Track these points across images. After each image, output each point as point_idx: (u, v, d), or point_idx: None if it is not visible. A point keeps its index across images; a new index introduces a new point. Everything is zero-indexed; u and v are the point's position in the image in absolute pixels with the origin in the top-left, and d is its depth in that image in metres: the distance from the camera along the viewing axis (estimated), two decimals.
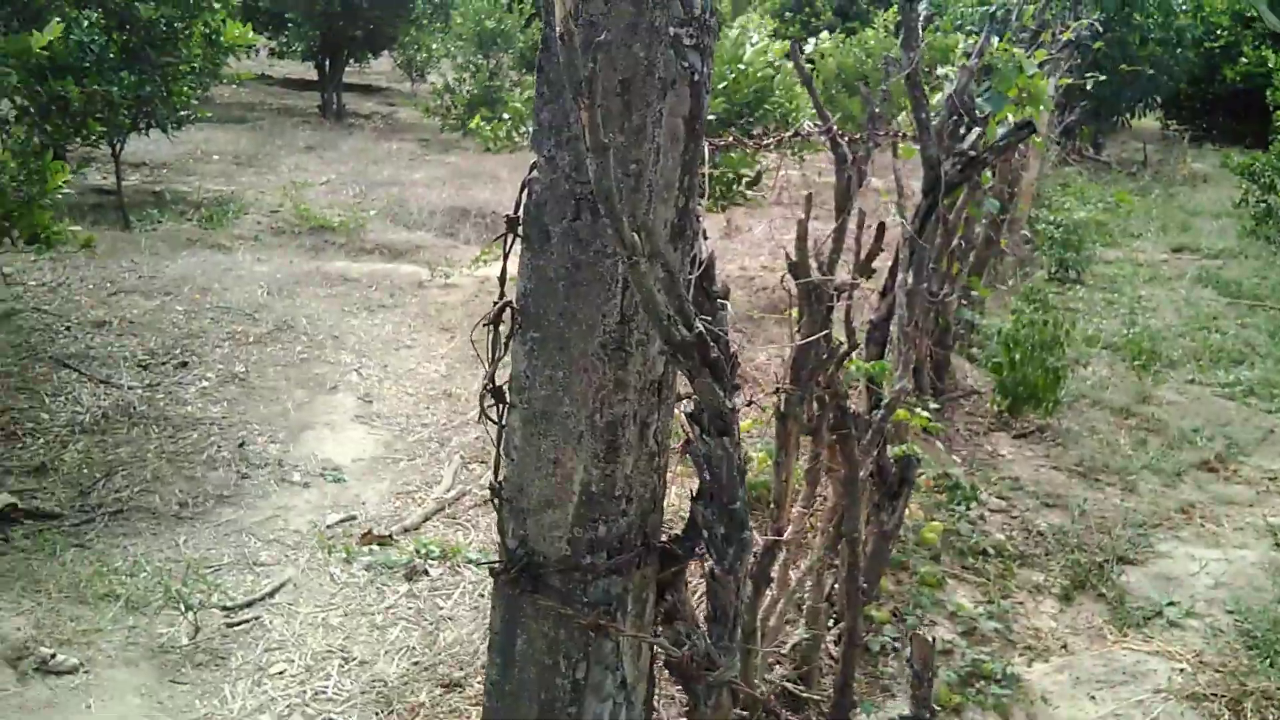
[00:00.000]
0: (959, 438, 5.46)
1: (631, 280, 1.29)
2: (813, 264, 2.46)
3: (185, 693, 3.13)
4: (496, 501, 1.49)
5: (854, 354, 2.74)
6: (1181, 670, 3.40)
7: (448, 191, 11.36)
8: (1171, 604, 3.84)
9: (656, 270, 1.28)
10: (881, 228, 2.65)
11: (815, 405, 2.83)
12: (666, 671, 1.59)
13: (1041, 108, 4.49)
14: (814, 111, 2.97)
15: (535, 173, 1.39)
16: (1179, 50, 15.46)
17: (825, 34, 13.95)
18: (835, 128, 2.66)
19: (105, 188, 9.82)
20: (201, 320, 6.85)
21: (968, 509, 4.51)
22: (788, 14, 19.51)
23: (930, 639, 1.35)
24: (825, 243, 2.61)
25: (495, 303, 1.43)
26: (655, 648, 1.54)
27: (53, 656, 3.16)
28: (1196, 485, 5.01)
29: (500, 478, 1.49)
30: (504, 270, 1.49)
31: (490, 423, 1.48)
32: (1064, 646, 3.63)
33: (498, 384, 1.47)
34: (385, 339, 7.02)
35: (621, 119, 1.33)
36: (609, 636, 1.46)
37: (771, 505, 2.79)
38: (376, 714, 2.92)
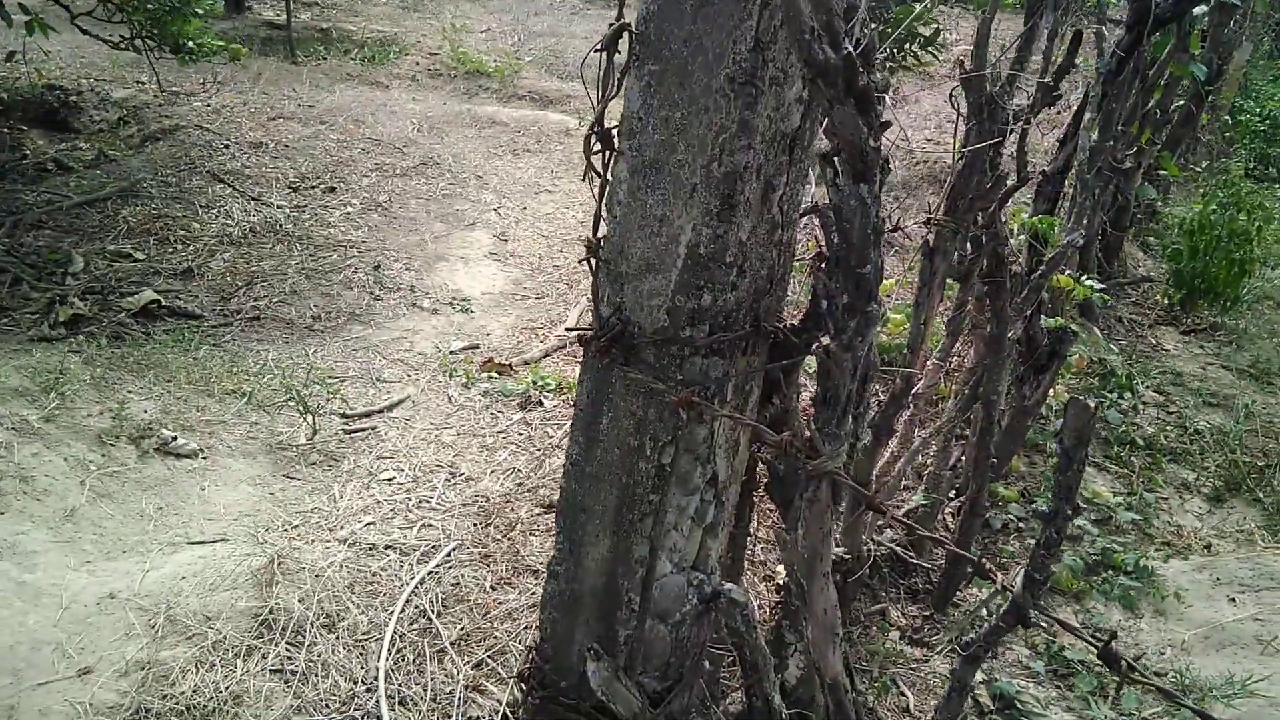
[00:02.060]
0: (1120, 327, 5.02)
1: None
2: (989, 76, 2.15)
3: (296, 487, 3.19)
4: (593, 263, 1.32)
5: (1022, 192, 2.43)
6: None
7: None
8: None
9: None
10: (1078, 36, 2.29)
11: (970, 246, 2.55)
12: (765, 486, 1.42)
13: None
14: None
15: None
16: None
17: None
18: None
19: (277, 23, 9.99)
20: (352, 150, 6.91)
21: (1120, 397, 4.14)
22: None
23: (1091, 406, 1.13)
24: (1009, 51, 2.28)
25: (611, 24, 1.23)
26: (757, 446, 1.38)
27: (174, 439, 3.25)
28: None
29: (599, 236, 1.33)
30: None
31: (594, 175, 1.31)
32: (1207, 547, 3.31)
33: (605, 128, 1.29)
34: (527, 182, 6.95)
35: None
36: (702, 421, 1.30)
37: (906, 353, 2.55)
38: (475, 525, 2.90)
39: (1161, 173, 5.50)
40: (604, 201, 1.32)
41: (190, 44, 4.69)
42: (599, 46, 1.25)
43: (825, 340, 1.18)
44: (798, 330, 1.34)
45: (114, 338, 3.97)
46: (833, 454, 1.18)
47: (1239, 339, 5.05)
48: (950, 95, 2.22)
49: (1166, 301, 5.28)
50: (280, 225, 5.51)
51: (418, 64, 9.78)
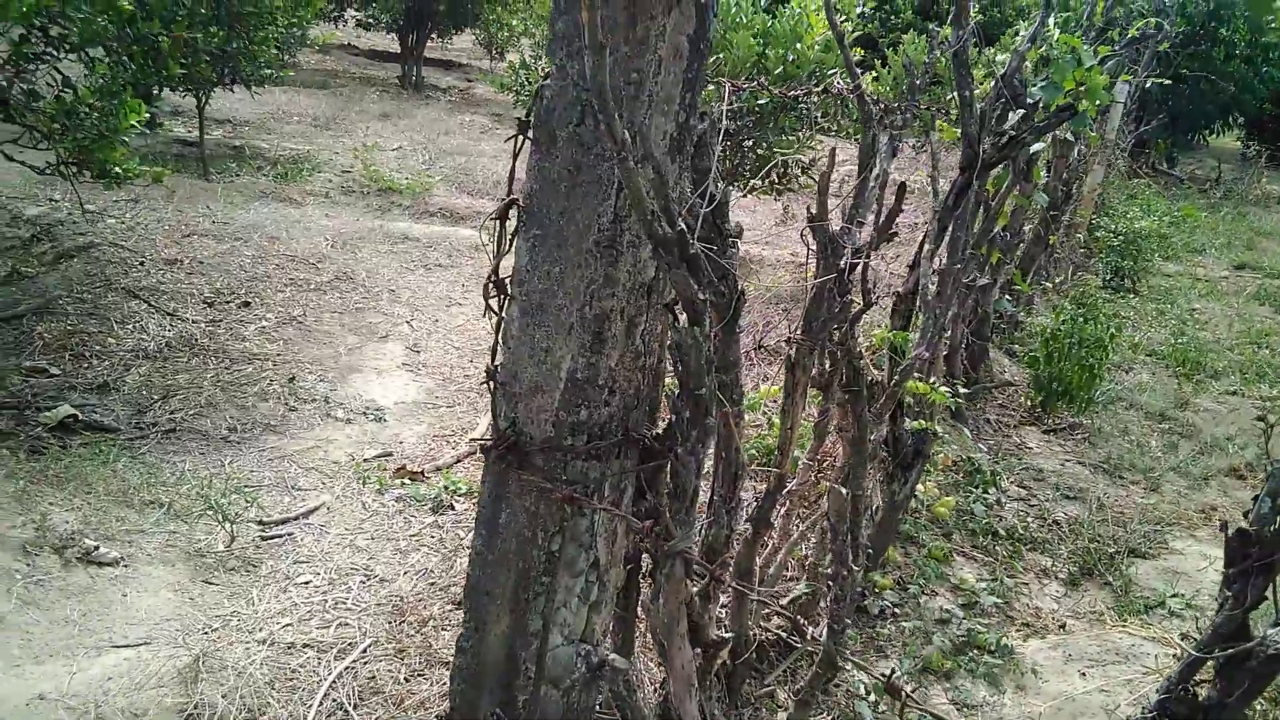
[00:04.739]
0: (988, 428, 5.49)
1: (621, 176, 1.42)
2: (834, 219, 2.56)
3: (216, 592, 3.34)
4: (491, 385, 1.62)
5: (869, 316, 2.82)
6: (1175, 655, 3.43)
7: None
8: (1175, 595, 3.86)
9: (648, 172, 1.41)
10: (902, 188, 2.73)
11: (828, 361, 2.93)
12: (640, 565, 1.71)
13: (1099, 103, 4.51)
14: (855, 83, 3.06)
15: (548, 80, 1.52)
16: (1265, 68, 15.05)
17: (907, 36, 13.85)
18: (864, 86, 2.74)
19: (189, 140, 10.21)
20: (267, 266, 7.13)
21: (985, 492, 4.56)
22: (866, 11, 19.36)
23: (844, 492, 1.45)
24: (846, 201, 2.70)
25: (502, 199, 1.56)
26: (630, 539, 1.67)
27: (96, 548, 3.39)
28: (1221, 490, 4.99)
29: (496, 363, 1.63)
30: (513, 170, 1.63)
31: (492, 313, 1.62)
32: (1062, 626, 3.68)
33: (500, 277, 1.61)
34: (439, 296, 7.25)
35: (626, 30, 1.45)
36: (583, 514, 1.59)
37: (776, 453, 2.89)
38: (389, 622, 3.10)
39: (1018, 288, 6.08)
40: (500, 335, 1.63)
41: (116, 170, 4.92)
42: (493, 216, 1.58)
43: (676, 450, 1.49)
44: (660, 439, 1.66)
45: (32, 451, 4.08)
46: (683, 537, 1.48)
47: (1093, 437, 5.56)
48: (801, 234, 2.61)
49: (1029, 404, 5.79)
50: (196, 340, 5.67)
51: (330, 181, 10.07)
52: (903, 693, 1.32)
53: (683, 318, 1.44)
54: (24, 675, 2.66)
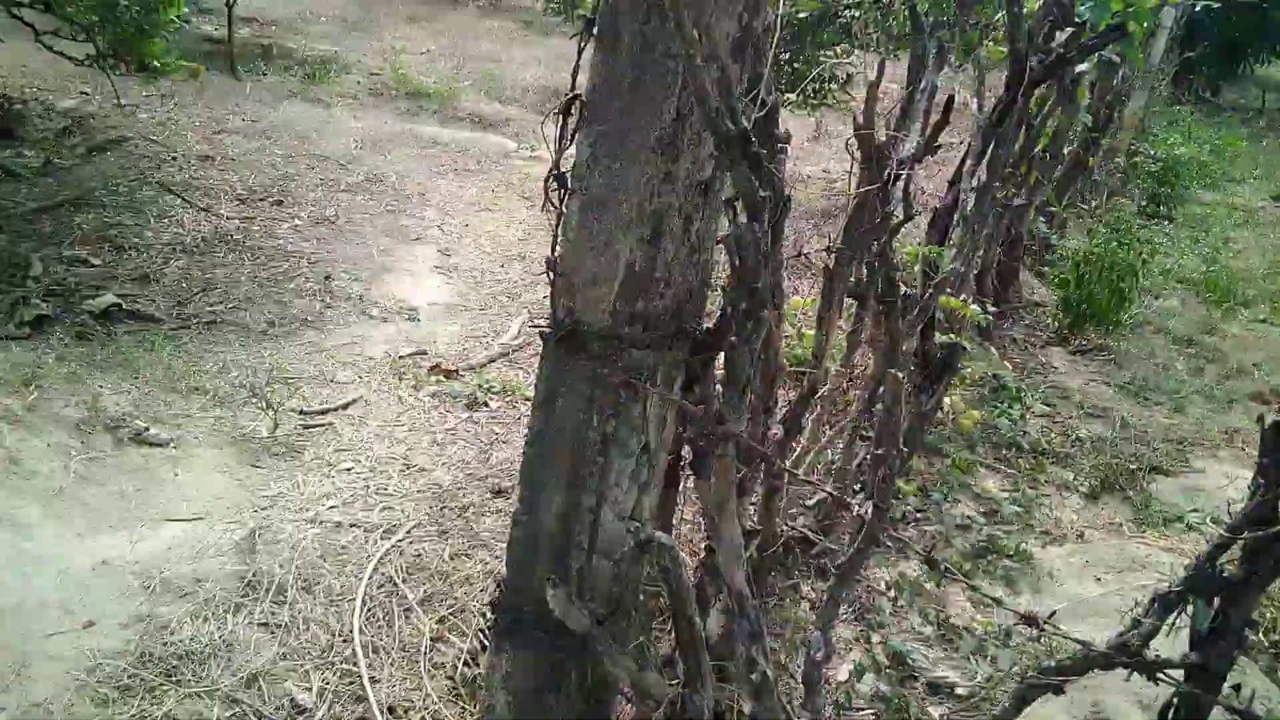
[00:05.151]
0: (1015, 347, 5.54)
1: (688, 74, 1.46)
2: (880, 130, 2.58)
3: (262, 475, 3.48)
4: (551, 275, 1.69)
5: (902, 232, 2.85)
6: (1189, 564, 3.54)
7: (542, 71, 11.45)
8: (1194, 510, 3.96)
9: (713, 72, 1.45)
10: (950, 101, 2.73)
11: (865, 271, 2.97)
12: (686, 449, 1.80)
13: (1146, 26, 4.45)
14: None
15: None
16: None
17: None
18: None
19: (216, 37, 10.13)
20: (297, 165, 7.17)
21: (1010, 408, 4.63)
22: None
23: (900, 376, 1.52)
24: (890, 115, 2.72)
25: (565, 94, 1.61)
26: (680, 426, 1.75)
27: (146, 430, 3.52)
28: (1246, 414, 5.04)
29: (556, 255, 1.70)
30: (576, 66, 1.67)
31: (551, 206, 1.68)
32: (1080, 536, 3.79)
33: (561, 171, 1.66)
34: (469, 200, 7.27)
35: None
36: (636, 399, 1.67)
37: (810, 359, 2.96)
38: (430, 508, 3.23)
39: (1052, 209, 6.06)
40: (560, 228, 1.70)
41: (154, 63, 4.94)
42: (555, 112, 1.63)
43: (731, 339, 1.56)
44: (711, 332, 1.73)
45: (79, 337, 4.21)
46: (735, 421, 1.56)
47: (1120, 359, 5.61)
48: (846, 144, 2.64)
49: (1056, 325, 5.82)
50: (231, 236, 5.75)
51: (359, 83, 10.01)
52: (940, 564, 1.41)
53: (741, 215, 1.49)
54: (86, 543, 2.81)
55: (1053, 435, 4.59)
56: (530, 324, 5.23)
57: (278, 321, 4.87)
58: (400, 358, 4.69)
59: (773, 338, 2.19)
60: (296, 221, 6.19)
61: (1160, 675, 1.23)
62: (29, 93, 7.55)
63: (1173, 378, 5.39)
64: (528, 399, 4.30)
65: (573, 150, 1.71)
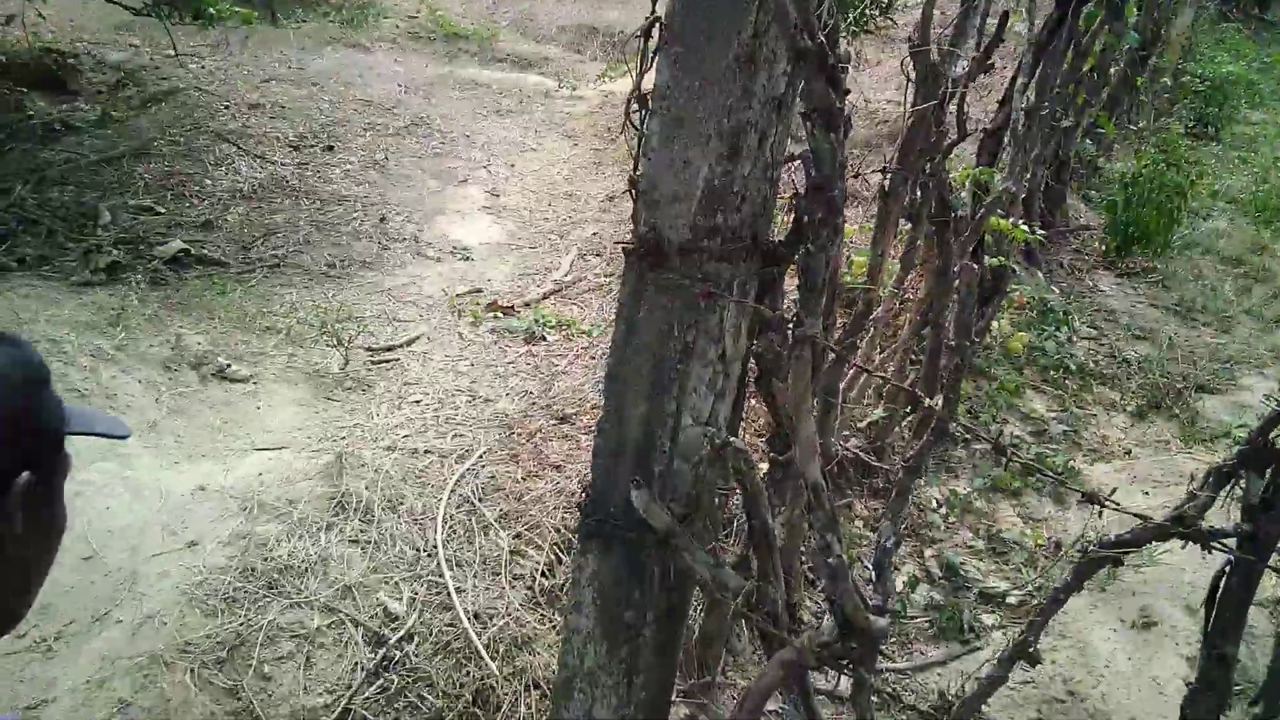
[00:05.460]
0: (1062, 271, 5.56)
1: None
2: (934, 49, 2.62)
3: (337, 407, 3.64)
4: (634, 193, 1.79)
5: (958, 153, 2.90)
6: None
7: (578, 9, 11.39)
8: (1241, 426, 4.01)
9: None
10: (1004, 19, 2.76)
11: (919, 192, 3.03)
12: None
13: None
14: None
15: None
16: None
17: None
18: None
19: None
20: (345, 110, 7.27)
21: (1057, 330, 4.68)
22: None
23: (975, 268, 1.61)
24: (949, 30, 2.75)
25: (647, 18, 1.69)
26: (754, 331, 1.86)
27: (228, 366, 3.69)
28: None
29: (637, 173, 1.79)
30: None
31: (633, 128, 1.77)
32: (1128, 453, 3.86)
33: (642, 93, 1.75)
34: (513, 141, 7.34)
35: None
36: (714, 309, 1.77)
37: (866, 279, 3.04)
38: (499, 434, 3.37)
39: (1100, 131, 6.01)
40: (640, 148, 1.79)
41: (211, 10, 5.04)
42: (638, 33, 1.71)
43: (808, 247, 1.65)
44: (783, 244, 1.82)
45: (153, 282, 4.37)
46: (812, 324, 1.66)
47: (1167, 281, 5.61)
48: (902, 64, 2.68)
49: (1104, 248, 5.82)
50: (287, 181, 5.89)
51: (397, 27, 10.05)
52: (1008, 450, 1.51)
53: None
54: (182, 471, 2.98)
55: (1099, 357, 4.64)
56: (581, 257, 5.33)
57: (338, 263, 5.01)
58: (457, 296, 4.82)
59: (837, 275, 2.27)
60: (348, 166, 6.31)
61: (1215, 545, 1.33)
62: (79, 46, 7.70)
63: (1220, 297, 5.39)
64: (584, 332, 4.43)
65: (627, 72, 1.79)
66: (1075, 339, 4.72)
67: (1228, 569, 1.32)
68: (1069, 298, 5.20)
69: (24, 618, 1.03)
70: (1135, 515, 1.40)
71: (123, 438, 1.12)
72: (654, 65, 1.78)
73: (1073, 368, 4.44)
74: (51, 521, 1.01)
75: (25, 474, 0.92)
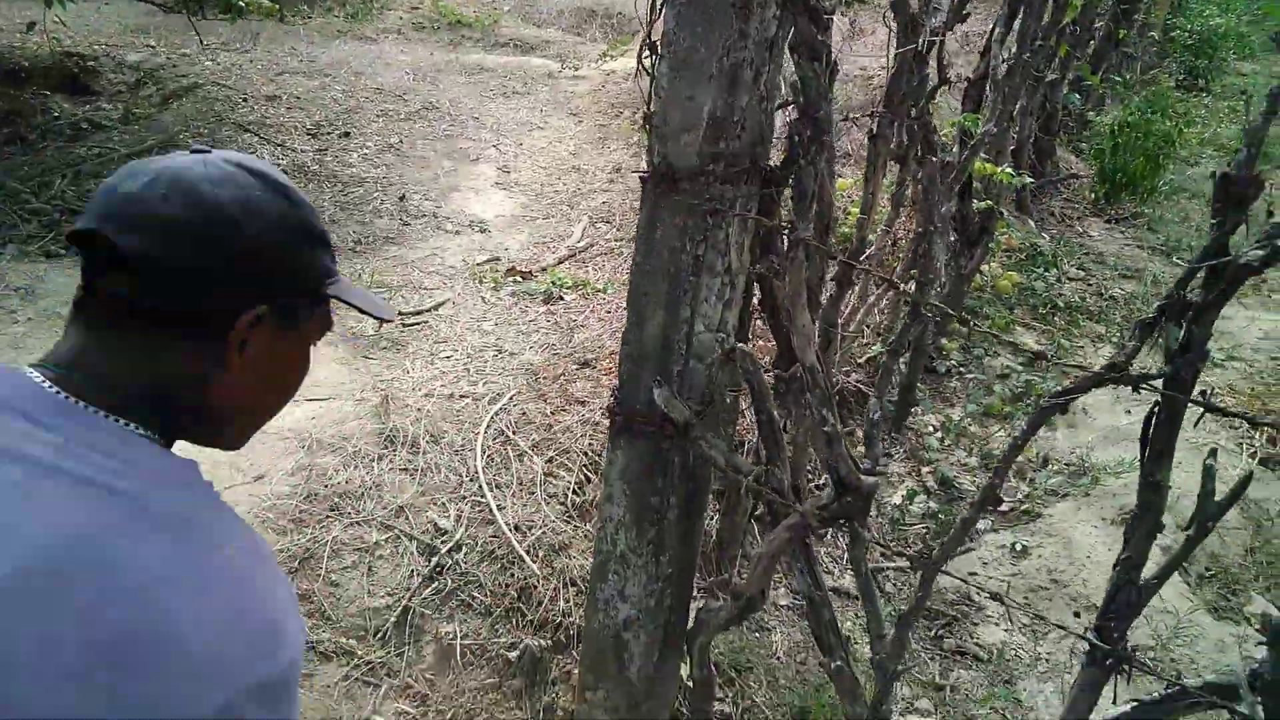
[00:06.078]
0: (1052, 219, 5.81)
1: None
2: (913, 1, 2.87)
3: (375, 364, 3.92)
4: (648, 128, 2.06)
5: (942, 103, 3.16)
6: (1212, 391, 3.87)
7: None
8: (1220, 350, 4.26)
9: None
10: None
11: (905, 135, 3.29)
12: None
13: None
14: None
15: None
16: None
17: None
18: None
19: None
20: (357, 98, 7.55)
21: (1046, 271, 4.93)
22: None
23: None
24: None
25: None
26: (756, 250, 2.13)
27: None
28: (1275, 267, 5.27)
29: (650, 110, 2.06)
30: None
31: (644, 72, 2.04)
32: None
33: (651, 40, 2.02)
34: (520, 121, 7.61)
35: None
36: (720, 226, 2.05)
37: (859, 218, 3.30)
38: (527, 380, 3.65)
39: (1087, 85, 6.24)
40: (652, 88, 2.06)
41: (238, 3, 5.32)
42: None
43: (800, 163, 1.93)
44: (780, 166, 2.09)
45: None
46: (804, 227, 1.93)
47: (1154, 224, 5.85)
48: (883, 16, 2.94)
49: (1093, 196, 6.06)
50: (308, 167, 6.17)
51: (401, 18, 10.32)
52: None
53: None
54: None
55: (1087, 295, 4.89)
56: (592, 224, 5.59)
57: (363, 239, 5.29)
58: (478, 264, 5.09)
59: (825, 188, 2.53)
60: (365, 150, 6.59)
61: (1144, 385, 1.60)
62: (97, 49, 7.99)
63: (1205, 237, 5.60)
64: (599, 291, 4.70)
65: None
66: (1064, 280, 4.97)
67: (1156, 408, 1.58)
68: (1059, 243, 5.45)
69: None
70: (1076, 367, 1.66)
71: (386, 321, 1.10)
72: (661, 16, 2.05)
73: (1061, 305, 4.69)
74: (274, 374, 0.99)
75: (255, 309, 0.89)
